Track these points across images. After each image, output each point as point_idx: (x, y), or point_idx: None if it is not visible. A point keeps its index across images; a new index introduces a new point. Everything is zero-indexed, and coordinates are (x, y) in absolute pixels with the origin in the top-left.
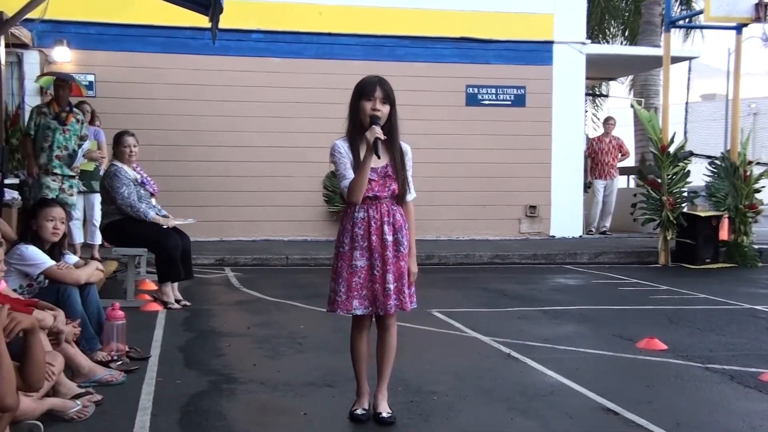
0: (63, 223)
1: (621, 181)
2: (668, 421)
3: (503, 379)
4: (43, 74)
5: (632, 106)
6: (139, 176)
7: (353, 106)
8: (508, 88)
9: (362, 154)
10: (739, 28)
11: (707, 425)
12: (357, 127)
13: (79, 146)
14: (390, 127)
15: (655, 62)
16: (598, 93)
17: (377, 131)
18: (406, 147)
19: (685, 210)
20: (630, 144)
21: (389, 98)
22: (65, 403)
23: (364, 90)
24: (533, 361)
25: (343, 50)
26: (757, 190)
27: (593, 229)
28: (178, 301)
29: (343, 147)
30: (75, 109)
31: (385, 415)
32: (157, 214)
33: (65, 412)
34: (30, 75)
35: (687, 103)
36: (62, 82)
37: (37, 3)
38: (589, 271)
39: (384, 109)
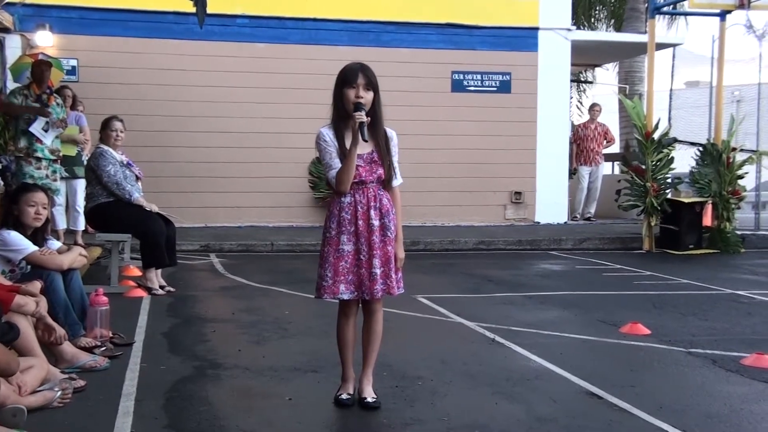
0: (45, 208)
1: (606, 168)
2: (651, 404)
3: (488, 364)
4: (16, 61)
5: (619, 99)
6: (125, 159)
7: (336, 94)
8: (493, 75)
9: (347, 142)
10: (722, 15)
11: (689, 408)
12: (341, 115)
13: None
14: (374, 113)
15: (640, 49)
16: (583, 79)
17: (358, 116)
18: (391, 133)
19: (669, 196)
20: (615, 130)
21: (372, 84)
22: (45, 396)
23: (346, 77)
24: (518, 346)
25: (328, 36)
26: (741, 177)
27: (578, 215)
28: (162, 287)
29: (329, 135)
30: (54, 93)
31: (370, 399)
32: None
33: (49, 404)
34: (12, 60)
35: (671, 89)
36: (44, 64)
37: None
38: (574, 256)
39: (367, 96)
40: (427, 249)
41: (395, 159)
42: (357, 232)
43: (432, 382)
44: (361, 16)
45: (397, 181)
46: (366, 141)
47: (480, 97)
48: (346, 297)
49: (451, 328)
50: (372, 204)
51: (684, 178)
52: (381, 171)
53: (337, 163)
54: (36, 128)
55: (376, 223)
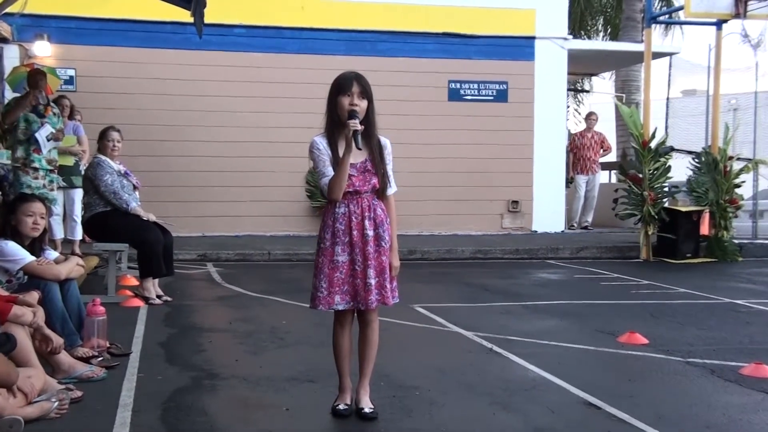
0: (43, 218)
1: (603, 177)
2: (649, 414)
3: (485, 374)
4: (12, 71)
5: (616, 105)
6: (122, 168)
7: (331, 102)
8: (490, 84)
9: (341, 151)
10: (719, 24)
11: (688, 419)
12: (335, 123)
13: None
14: (368, 121)
15: (637, 58)
16: (580, 88)
17: (352, 124)
18: (385, 141)
19: (666, 205)
20: (612, 139)
21: (366, 93)
22: (42, 407)
23: (341, 86)
24: (515, 355)
25: (325, 45)
26: (738, 185)
27: (575, 224)
28: (159, 297)
29: (322, 143)
30: (51, 103)
31: (367, 410)
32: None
33: (47, 415)
34: (9, 70)
35: (668, 98)
36: (39, 73)
37: None
38: (571, 266)
39: (362, 104)
40: (424, 258)
41: (389, 167)
42: (351, 242)
43: (429, 392)
44: (358, 25)
45: (391, 190)
46: (360, 149)
47: (477, 106)
48: (341, 307)
49: (448, 338)
50: (366, 214)
51: (681, 187)
52: (375, 180)
53: (330, 171)
54: (41, 135)
55: (370, 233)
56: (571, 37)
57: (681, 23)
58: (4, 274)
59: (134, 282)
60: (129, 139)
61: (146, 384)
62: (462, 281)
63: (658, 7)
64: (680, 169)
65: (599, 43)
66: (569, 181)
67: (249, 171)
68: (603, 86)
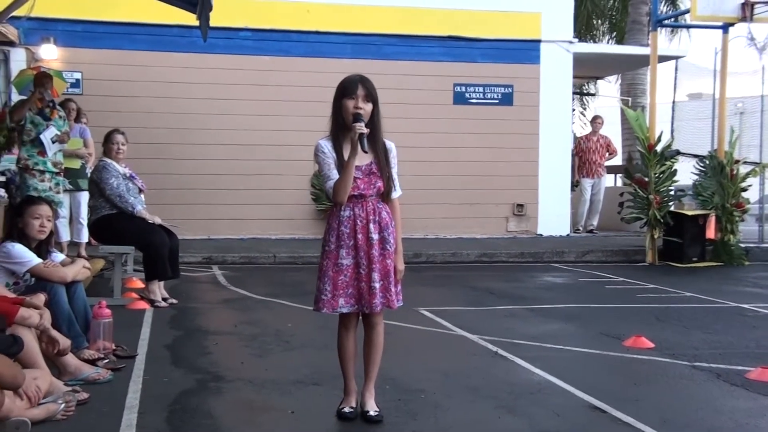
0: (49, 220)
1: (608, 180)
2: (655, 418)
3: (490, 378)
4: (19, 74)
5: (622, 108)
6: (128, 171)
7: (336, 105)
8: (495, 87)
9: (346, 154)
10: (725, 28)
11: (694, 423)
12: (340, 126)
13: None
14: (373, 124)
15: (642, 61)
16: (585, 92)
17: (359, 127)
18: (390, 144)
19: (672, 209)
20: (617, 143)
21: (371, 96)
22: (48, 408)
23: (346, 89)
24: (520, 359)
25: (331, 48)
26: (744, 189)
27: (580, 228)
28: (165, 300)
29: (327, 146)
30: (57, 106)
31: (372, 413)
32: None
33: (53, 417)
34: (16, 73)
35: (674, 102)
36: (45, 76)
37: (24, 0)
38: (577, 269)
39: (366, 107)
40: (429, 261)
41: (395, 171)
42: (356, 246)
43: (435, 396)
44: (364, 28)
45: (396, 194)
46: (366, 152)
47: (482, 110)
48: (345, 311)
49: (453, 341)
50: (371, 218)
51: (687, 191)
52: (380, 183)
53: (335, 174)
54: (46, 136)
55: (375, 236)
56: (576, 40)
57: (687, 26)
58: (11, 277)
59: (140, 284)
60: (135, 142)
61: (152, 386)
62: (467, 284)
63: (664, 11)
64: (686, 173)
65: (605, 47)
66: (575, 185)
67: (254, 174)
68: (609, 90)
